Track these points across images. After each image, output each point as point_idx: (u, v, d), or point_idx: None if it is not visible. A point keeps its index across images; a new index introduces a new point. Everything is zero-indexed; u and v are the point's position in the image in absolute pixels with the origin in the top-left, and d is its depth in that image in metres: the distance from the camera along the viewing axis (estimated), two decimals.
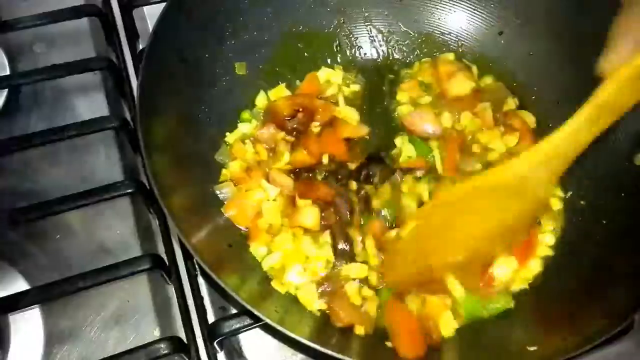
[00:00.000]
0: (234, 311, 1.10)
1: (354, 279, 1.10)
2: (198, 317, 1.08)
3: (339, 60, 1.37)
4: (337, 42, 1.37)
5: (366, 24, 1.38)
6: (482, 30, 1.35)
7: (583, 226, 1.16)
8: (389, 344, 1.01)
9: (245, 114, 1.27)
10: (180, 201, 1.02)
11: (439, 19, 1.37)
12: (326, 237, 1.13)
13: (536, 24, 1.29)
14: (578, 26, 1.21)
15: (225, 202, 1.15)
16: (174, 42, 1.14)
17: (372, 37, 1.38)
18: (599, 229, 1.12)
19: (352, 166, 1.22)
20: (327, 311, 1.06)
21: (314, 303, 1.07)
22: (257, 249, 1.12)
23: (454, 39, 1.37)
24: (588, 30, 1.13)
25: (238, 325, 1.03)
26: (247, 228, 1.14)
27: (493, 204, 1.01)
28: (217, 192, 1.16)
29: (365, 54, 1.38)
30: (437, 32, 1.38)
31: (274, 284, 1.08)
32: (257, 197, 1.16)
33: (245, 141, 1.23)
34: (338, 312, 1.04)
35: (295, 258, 1.10)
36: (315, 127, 1.26)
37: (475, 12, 1.35)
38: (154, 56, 1.07)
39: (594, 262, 1.09)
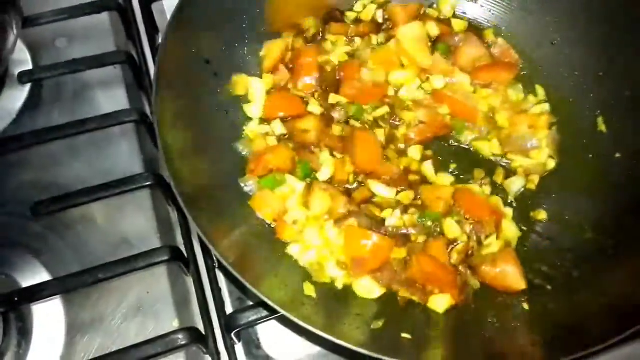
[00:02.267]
0: (252, 302, 1.11)
1: None
2: (216, 309, 1.08)
3: None
4: None
5: None
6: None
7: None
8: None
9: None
10: (199, 195, 1.03)
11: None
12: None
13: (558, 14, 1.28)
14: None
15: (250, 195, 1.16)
16: (190, 36, 1.14)
17: None
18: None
19: None
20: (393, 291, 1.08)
21: (374, 292, 1.07)
22: (290, 248, 1.12)
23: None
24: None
25: (255, 317, 1.04)
26: (273, 222, 1.14)
27: None
28: (242, 184, 1.16)
29: None
30: None
31: (316, 278, 1.08)
32: (281, 192, 1.16)
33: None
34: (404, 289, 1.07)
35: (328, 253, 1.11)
36: None
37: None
38: (169, 50, 1.08)
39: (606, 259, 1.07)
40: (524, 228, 1.17)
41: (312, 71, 1.27)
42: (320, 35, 1.33)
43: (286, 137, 1.22)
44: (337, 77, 1.28)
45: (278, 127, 1.22)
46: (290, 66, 1.28)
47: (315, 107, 1.25)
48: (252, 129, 1.22)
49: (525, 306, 1.06)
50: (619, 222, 1.10)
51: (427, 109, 1.24)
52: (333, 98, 1.25)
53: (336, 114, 1.24)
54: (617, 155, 1.17)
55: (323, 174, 1.18)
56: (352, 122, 1.23)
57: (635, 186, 1.12)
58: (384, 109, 1.25)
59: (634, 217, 1.08)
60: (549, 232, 1.16)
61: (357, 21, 1.36)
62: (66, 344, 1.10)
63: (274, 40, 1.28)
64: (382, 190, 1.17)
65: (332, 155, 1.20)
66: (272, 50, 1.27)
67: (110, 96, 1.37)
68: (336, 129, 1.22)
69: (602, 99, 1.22)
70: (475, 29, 1.36)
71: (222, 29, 1.20)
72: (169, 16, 1.40)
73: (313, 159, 1.19)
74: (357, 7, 1.38)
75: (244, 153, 1.20)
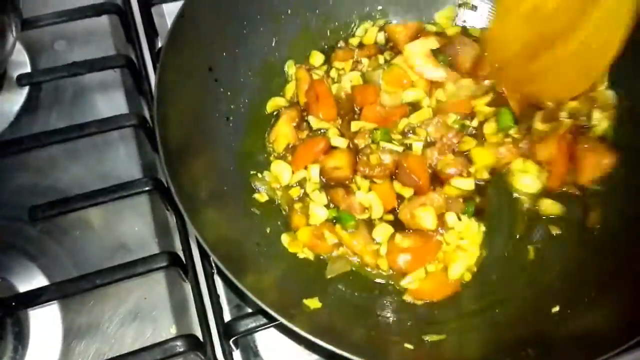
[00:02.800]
0: (250, 310, 1.11)
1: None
2: (214, 316, 1.08)
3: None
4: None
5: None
6: None
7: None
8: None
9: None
10: (200, 200, 1.03)
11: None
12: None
13: None
14: None
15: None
16: (191, 42, 1.13)
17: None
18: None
19: None
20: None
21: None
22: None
23: None
24: None
25: (254, 325, 1.03)
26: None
27: None
28: (253, 184, 1.18)
29: None
30: None
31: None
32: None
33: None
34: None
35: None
36: None
37: None
38: (171, 56, 1.07)
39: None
40: None
41: (329, 97, 1.25)
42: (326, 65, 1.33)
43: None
44: (354, 104, 1.26)
45: (314, 173, 1.19)
46: (305, 101, 1.26)
47: (338, 140, 1.21)
48: (286, 184, 1.20)
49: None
50: None
51: (436, 125, 1.23)
52: (355, 125, 1.22)
53: (362, 142, 1.20)
54: None
55: (376, 212, 1.15)
56: (383, 144, 1.19)
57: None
58: (404, 122, 1.24)
59: None
60: None
61: (360, 46, 1.36)
62: (63, 349, 1.09)
63: (278, 120, 1.26)
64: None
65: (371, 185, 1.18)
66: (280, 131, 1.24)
67: (109, 100, 1.37)
68: (374, 159, 1.18)
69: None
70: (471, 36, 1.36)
71: (223, 35, 1.20)
72: (168, 20, 1.43)
73: (350, 202, 1.16)
74: (359, 32, 1.37)
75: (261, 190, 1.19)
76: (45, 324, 1.11)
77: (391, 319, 1.07)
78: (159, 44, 1.40)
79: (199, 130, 1.13)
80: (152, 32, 1.39)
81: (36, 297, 1.06)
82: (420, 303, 1.09)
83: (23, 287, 1.12)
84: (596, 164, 1.15)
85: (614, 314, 1.00)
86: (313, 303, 1.03)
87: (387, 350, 0.98)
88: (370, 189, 1.17)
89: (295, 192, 1.19)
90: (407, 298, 1.09)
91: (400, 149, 1.20)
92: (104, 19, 1.43)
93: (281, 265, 1.11)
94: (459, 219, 1.14)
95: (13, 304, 1.05)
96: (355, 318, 1.05)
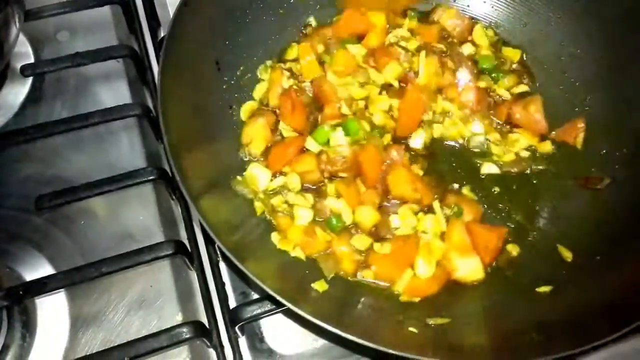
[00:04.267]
0: (256, 296, 1.12)
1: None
2: (220, 302, 1.09)
3: None
4: None
5: None
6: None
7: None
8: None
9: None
10: (204, 188, 1.03)
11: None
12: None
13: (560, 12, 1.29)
14: None
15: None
16: (194, 30, 1.13)
17: None
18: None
19: None
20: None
21: None
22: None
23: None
24: None
25: (259, 311, 1.04)
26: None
27: None
28: (234, 187, 1.16)
29: None
30: None
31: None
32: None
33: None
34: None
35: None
36: None
37: None
38: (174, 44, 1.07)
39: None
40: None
41: (304, 108, 1.23)
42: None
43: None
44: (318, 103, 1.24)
45: (295, 181, 1.17)
46: (277, 104, 1.25)
47: (312, 143, 1.18)
48: (264, 188, 1.17)
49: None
50: None
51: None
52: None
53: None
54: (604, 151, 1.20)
55: (345, 217, 1.14)
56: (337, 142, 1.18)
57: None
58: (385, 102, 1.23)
59: None
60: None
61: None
62: (70, 337, 1.10)
63: (254, 122, 1.21)
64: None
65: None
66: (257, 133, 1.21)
67: (112, 90, 1.37)
68: (332, 152, 1.16)
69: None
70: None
71: (225, 22, 1.20)
72: (170, 9, 1.44)
73: (321, 206, 1.15)
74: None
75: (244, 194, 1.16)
76: (52, 312, 1.12)
77: (395, 303, 1.07)
78: (162, 34, 1.40)
79: (202, 119, 1.14)
80: (154, 22, 1.40)
81: (43, 286, 1.06)
82: (418, 300, 1.08)
83: (30, 276, 1.13)
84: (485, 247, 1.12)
85: (607, 299, 1.00)
86: (321, 285, 1.04)
87: (391, 333, 0.99)
88: (338, 196, 1.15)
89: (278, 202, 1.16)
90: (404, 299, 1.08)
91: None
92: (107, 10, 1.44)
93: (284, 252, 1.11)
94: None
95: (20, 292, 1.06)
96: (360, 302, 1.06)
